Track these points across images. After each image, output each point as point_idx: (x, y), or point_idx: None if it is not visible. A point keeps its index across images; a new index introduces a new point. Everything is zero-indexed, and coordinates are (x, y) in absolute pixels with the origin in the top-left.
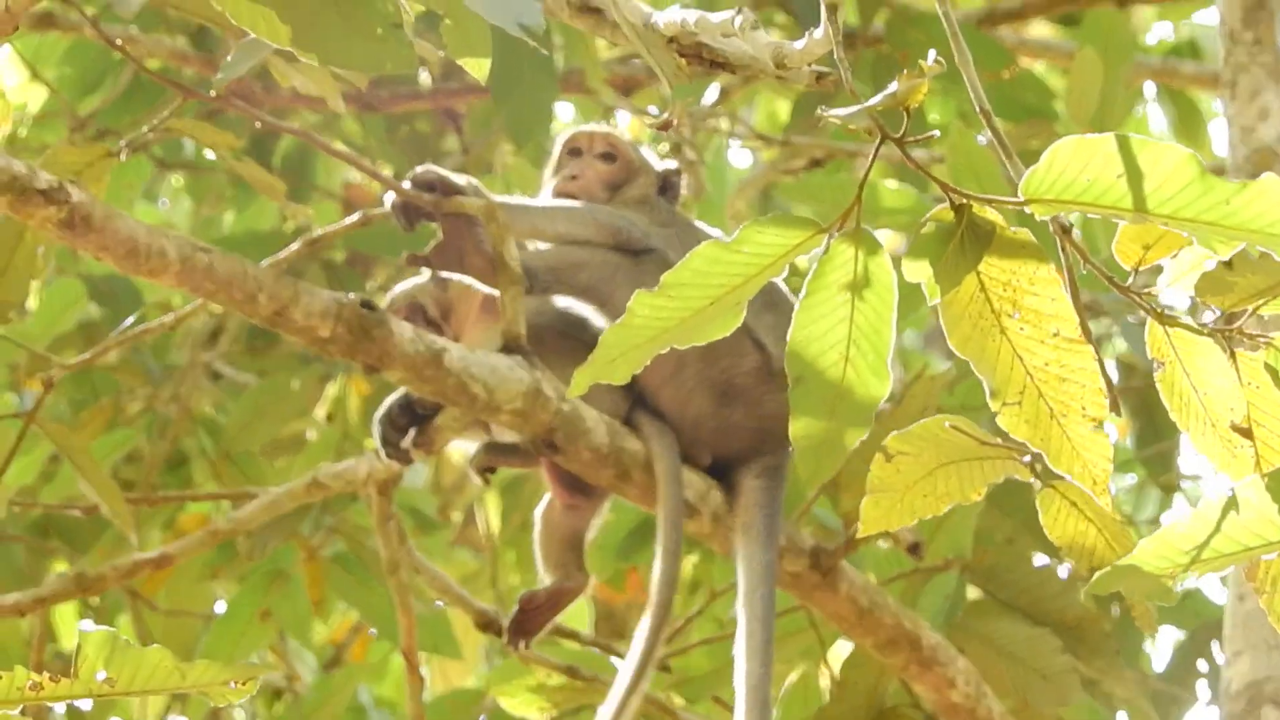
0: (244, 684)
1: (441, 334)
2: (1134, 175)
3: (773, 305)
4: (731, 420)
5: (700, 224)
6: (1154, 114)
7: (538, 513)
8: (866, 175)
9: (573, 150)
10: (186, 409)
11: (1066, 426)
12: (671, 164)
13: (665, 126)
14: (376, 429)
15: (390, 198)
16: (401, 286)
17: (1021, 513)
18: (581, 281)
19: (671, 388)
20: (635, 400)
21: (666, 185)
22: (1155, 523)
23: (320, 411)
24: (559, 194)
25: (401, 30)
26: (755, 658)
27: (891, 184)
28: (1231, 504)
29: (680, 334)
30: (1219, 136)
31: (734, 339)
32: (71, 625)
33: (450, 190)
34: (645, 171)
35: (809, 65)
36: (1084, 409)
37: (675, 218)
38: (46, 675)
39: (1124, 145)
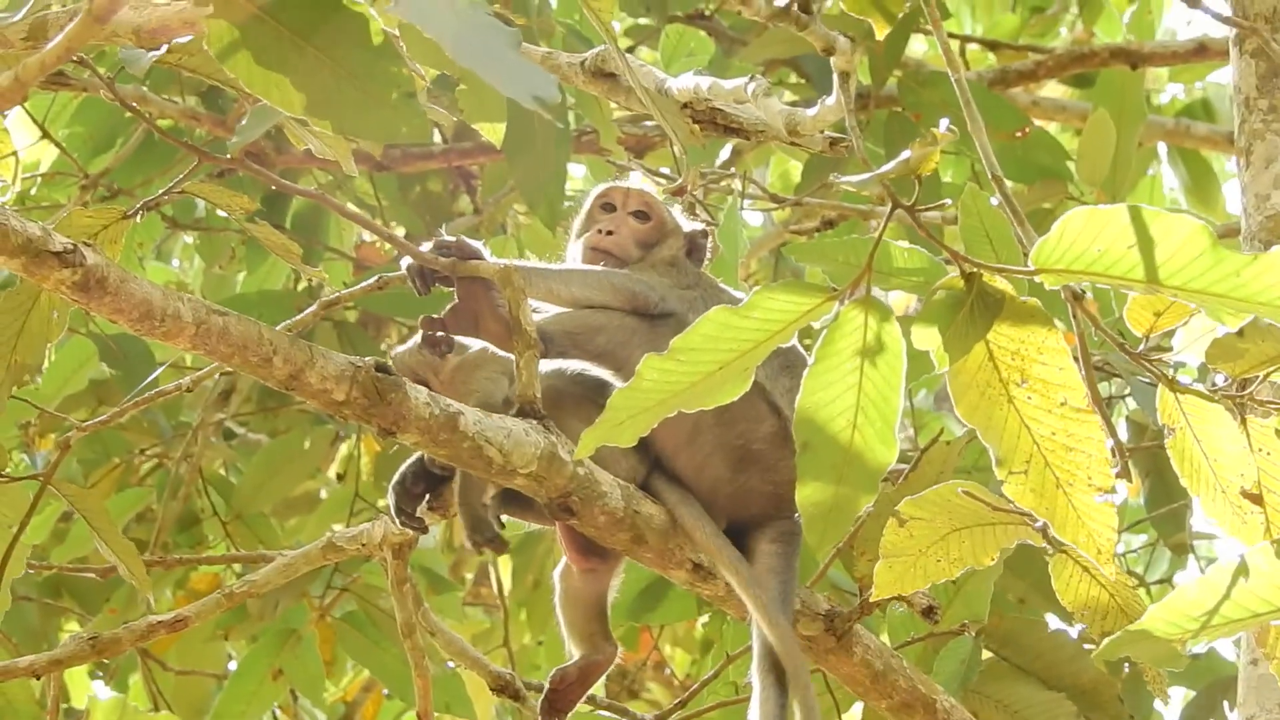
0: None
1: None
2: (1145, 246)
3: (790, 368)
4: (748, 485)
5: (726, 287)
6: (1167, 174)
7: (556, 577)
8: (877, 243)
9: (606, 205)
10: (198, 468)
11: (1072, 496)
12: (699, 225)
13: (679, 192)
14: (391, 497)
15: (406, 261)
16: (400, 350)
17: (1033, 575)
18: (598, 345)
19: (688, 453)
20: (652, 465)
21: (693, 247)
22: (1167, 583)
23: (332, 471)
24: (592, 248)
25: (415, 98)
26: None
27: (904, 245)
28: (1241, 570)
29: (689, 398)
30: (1233, 197)
31: (750, 403)
32: (83, 683)
33: (467, 254)
34: (676, 233)
35: (821, 132)
36: (1090, 478)
37: (701, 279)
38: None
39: (1136, 216)
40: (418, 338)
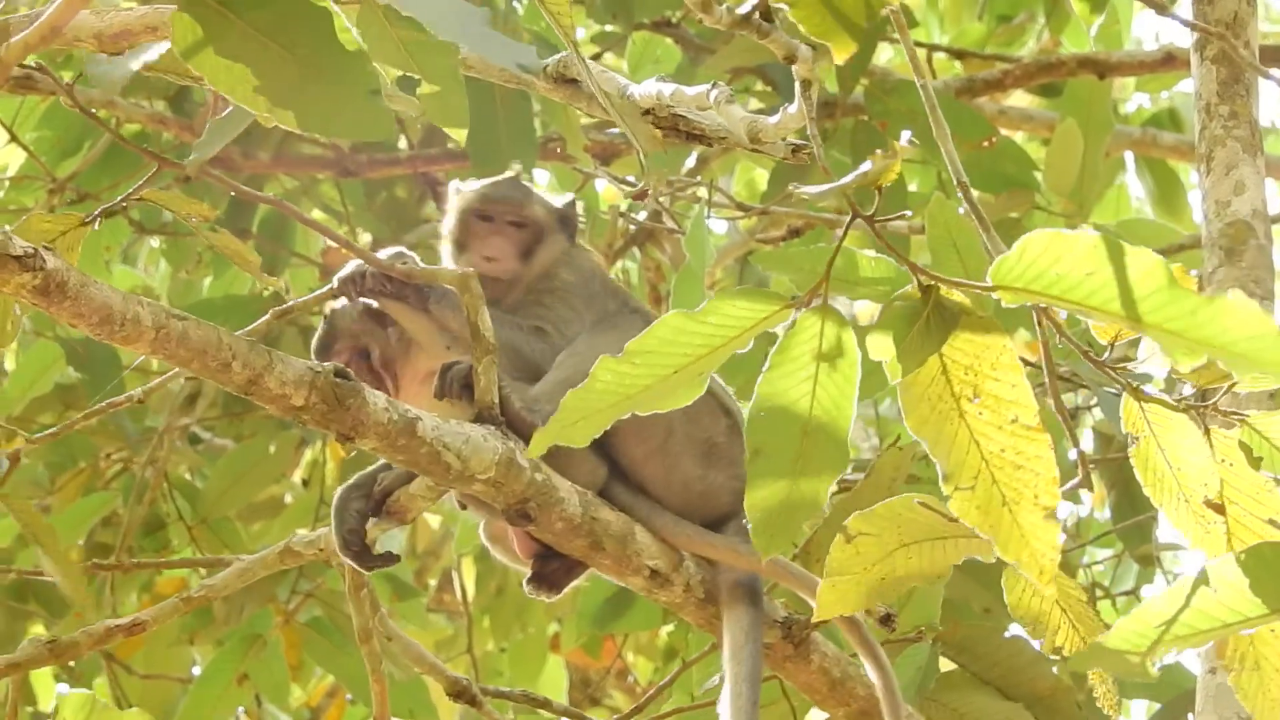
0: None
1: (381, 385)
2: (1104, 275)
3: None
4: (716, 482)
5: (640, 306)
6: (1134, 184)
7: (486, 538)
8: (835, 253)
9: (481, 214)
10: (164, 473)
11: (1017, 514)
12: (568, 197)
13: (641, 196)
14: (336, 538)
15: (342, 273)
16: (342, 306)
17: (998, 584)
18: None
19: (659, 456)
20: (611, 474)
21: (565, 221)
22: (1134, 594)
23: (297, 476)
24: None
25: (379, 96)
26: (741, 714)
27: (870, 254)
28: (1202, 580)
29: (643, 401)
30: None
31: (706, 400)
32: (49, 688)
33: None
34: (551, 225)
35: (783, 139)
36: (1036, 497)
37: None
38: None
39: (1097, 245)
40: (358, 301)
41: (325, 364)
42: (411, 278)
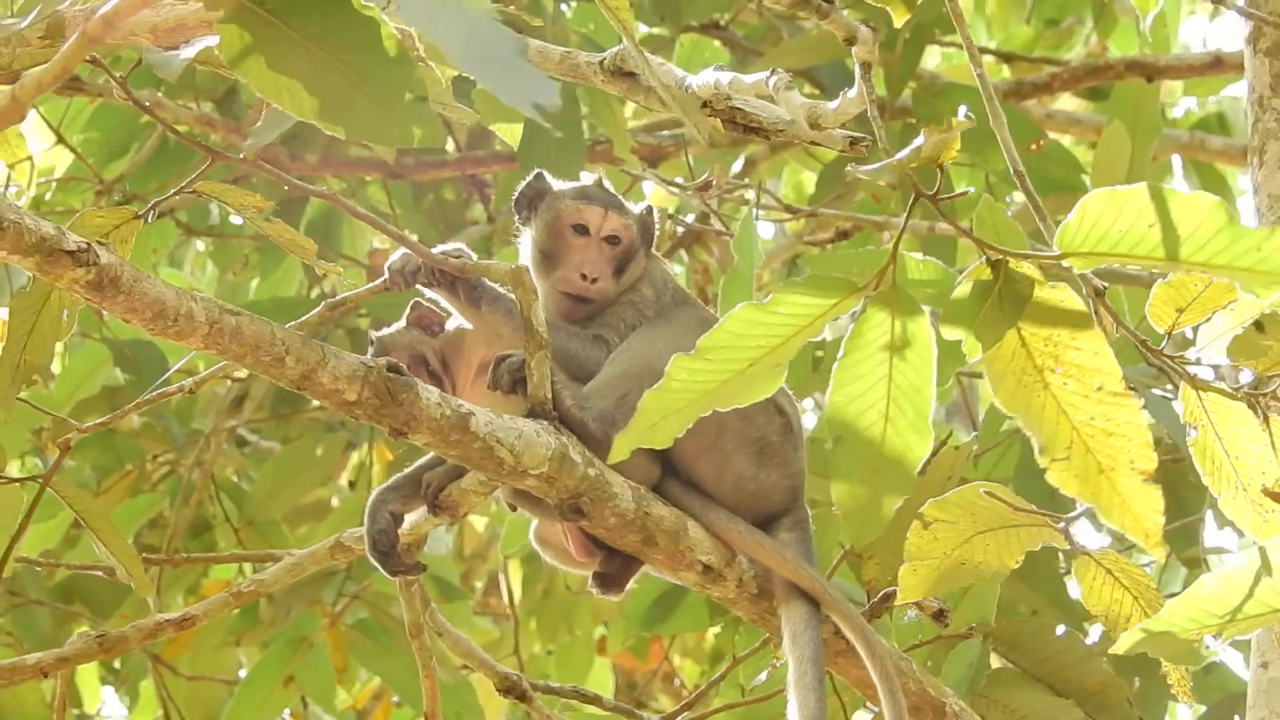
0: None
1: (442, 387)
2: (1166, 224)
3: None
4: (768, 481)
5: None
6: (1180, 188)
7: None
8: (901, 233)
9: (578, 227)
10: (210, 475)
11: (1115, 480)
12: (645, 204)
13: (705, 187)
14: (365, 538)
15: (391, 260)
16: (388, 331)
17: (1047, 587)
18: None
19: (711, 455)
20: (665, 471)
21: (645, 231)
22: None
23: (344, 478)
24: (574, 294)
25: (426, 103)
26: (810, 693)
27: (918, 256)
28: (1264, 566)
29: (721, 397)
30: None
31: (761, 401)
32: (94, 687)
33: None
34: (635, 238)
35: (842, 128)
36: (1133, 462)
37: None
38: None
39: (1155, 195)
40: (401, 321)
41: (379, 359)
42: (465, 272)
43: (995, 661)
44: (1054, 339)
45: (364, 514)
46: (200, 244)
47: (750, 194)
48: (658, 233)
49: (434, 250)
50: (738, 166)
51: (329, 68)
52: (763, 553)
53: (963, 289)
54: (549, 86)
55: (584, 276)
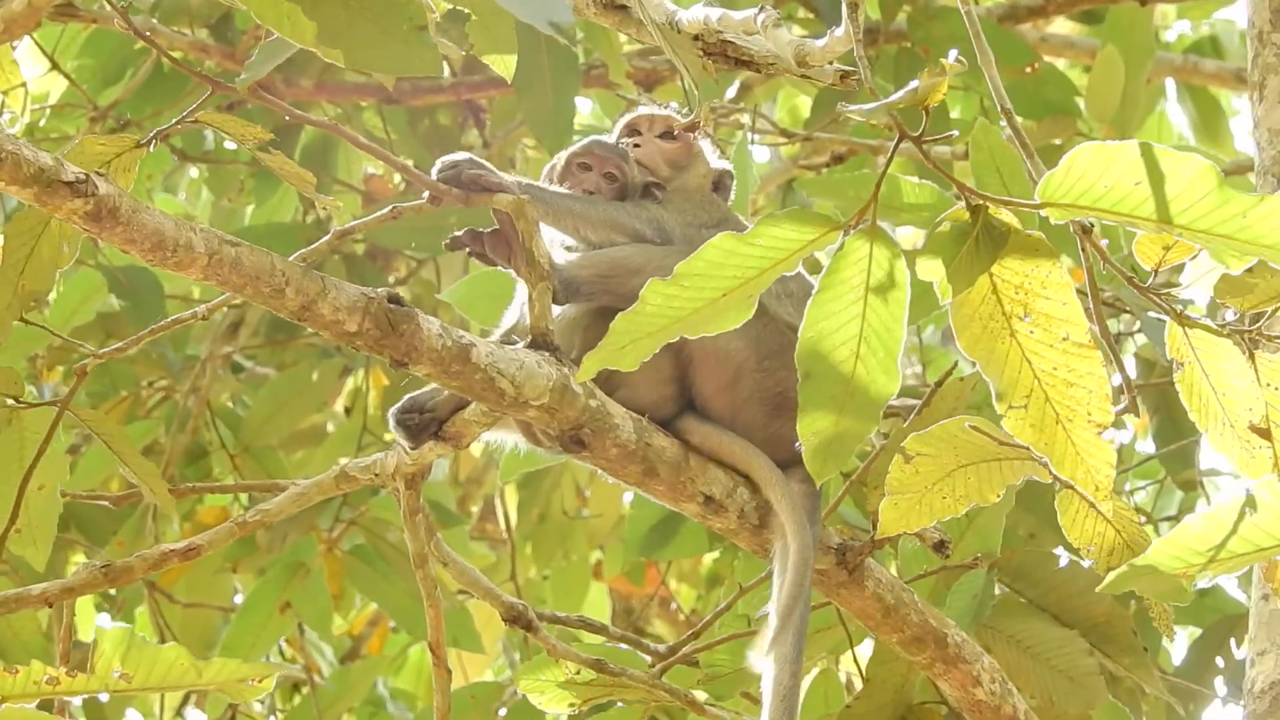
0: (261, 682)
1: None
2: (1154, 183)
3: None
4: (781, 433)
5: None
6: (1175, 111)
7: None
8: (883, 174)
9: (631, 130)
10: (206, 401)
11: (1071, 431)
12: (726, 164)
13: (692, 128)
14: (392, 416)
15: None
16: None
17: (1043, 510)
18: (634, 287)
19: (726, 396)
20: (684, 408)
21: (719, 185)
22: (1176, 520)
23: (339, 404)
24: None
25: (426, 32)
26: (786, 665)
27: (913, 180)
28: (1248, 504)
29: (691, 324)
30: (1240, 133)
31: (787, 354)
32: (89, 615)
33: (473, 177)
34: (704, 161)
35: (831, 63)
36: (1089, 414)
37: (728, 217)
38: (63, 670)
39: (1145, 152)
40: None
41: (378, 290)
42: (469, 205)
43: (999, 592)
44: (1025, 287)
45: (390, 418)
46: (194, 170)
47: (745, 118)
48: (730, 193)
49: (446, 159)
50: (732, 92)
51: None
52: (757, 471)
53: (940, 230)
54: (563, 4)
55: (632, 145)
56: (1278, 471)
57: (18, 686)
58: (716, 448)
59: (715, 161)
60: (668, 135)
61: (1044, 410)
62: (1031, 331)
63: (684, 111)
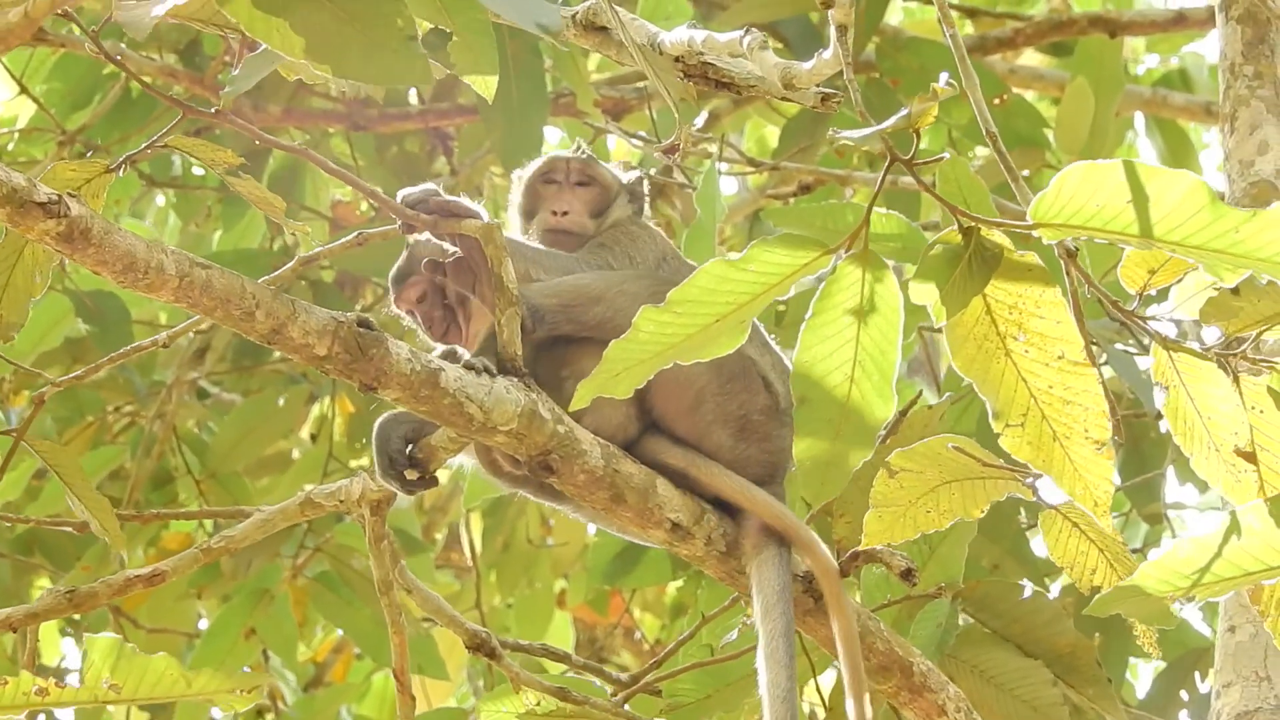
0: (249, 692)
1: (455, 318)
2: (1143, 202)
3: (766, 346)
4: (746, 454)
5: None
6: (1144, 144)
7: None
8: (875, 196)
9: (547, 179)
10: (172, 427)
11: (1069, 448)
12: (634, 174)
13: (671, 150)
14: (380, 459)
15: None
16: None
17: (1007, 540)
18: (595, 316)
19: (690, 420)
20: (648, 428)
21: (633, 197)
22: (1141, 553)
23: (305, 431)
24: (549, 230)
25: (417, 44)
26: (781, 669)
27: (882, 211)
28: (1234, 528)
29: (685, 350)
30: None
31: (748, 375)
32: (54, 640)
33: (451, 212)
34: (620, 191)
35: (815, 86)
36: (1087, 431)
37: (665, 257)
38: (53, 681)
39: (1133, 171)
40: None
41: (348, 314)
42: (438, 230)
43: (964, 621)
44: (1019, 306)
45: (373, 440)
46: (162, 196)
47: (713, 148)
48: (645, 199)
49: (408, 190)
50: (701, 121)
51: (318, 5)
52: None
53: (933, 254)
54: (551, 8)
55: (554, 213)
56: (1264, 495)
57: (6, 698)
58: (703, 475)
59: (624, 177)
60: (585, 183)
61: (1041, 428)
62: (1026, 351)
63: (651, 140)
